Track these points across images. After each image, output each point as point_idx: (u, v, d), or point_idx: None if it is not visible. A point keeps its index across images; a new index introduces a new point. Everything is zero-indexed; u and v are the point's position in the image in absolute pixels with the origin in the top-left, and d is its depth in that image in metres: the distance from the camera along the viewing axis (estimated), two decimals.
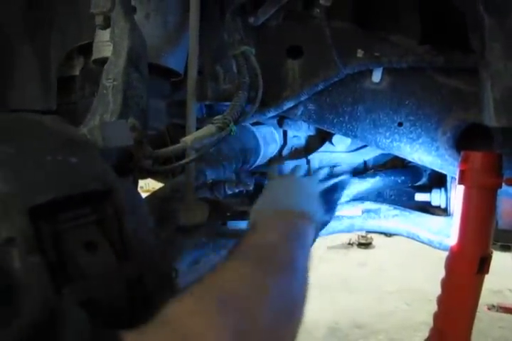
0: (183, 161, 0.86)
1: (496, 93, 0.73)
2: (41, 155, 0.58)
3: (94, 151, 0.65)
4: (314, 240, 0.80)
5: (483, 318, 3.39)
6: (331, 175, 0.99)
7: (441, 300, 0.93)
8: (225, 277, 0.59)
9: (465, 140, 1.03)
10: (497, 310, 3.43)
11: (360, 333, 3.32)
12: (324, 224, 0.89)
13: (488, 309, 3.46)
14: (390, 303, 3.74)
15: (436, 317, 0.94)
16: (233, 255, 0.65)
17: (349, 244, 5.14)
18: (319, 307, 3.66)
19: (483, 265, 0.87)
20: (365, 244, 5.09)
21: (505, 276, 4.10)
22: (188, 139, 0.87)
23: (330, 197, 0.90)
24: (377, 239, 5.26)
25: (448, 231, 1.02)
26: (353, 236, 5.21)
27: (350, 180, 1.04)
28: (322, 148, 1.32)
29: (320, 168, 1.04)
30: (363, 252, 5.03)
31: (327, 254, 4.92)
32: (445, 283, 0.92)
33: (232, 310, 0.52)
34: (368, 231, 5.24)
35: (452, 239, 0.90)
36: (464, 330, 0.91)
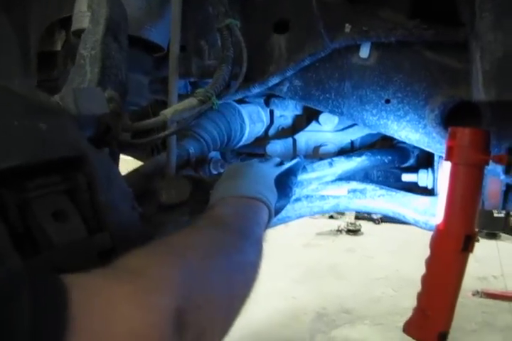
0: (162, 134, 0.84)
1: (486, 64, 0.71)
2: (7, 120, 0.55)
3: (66, 118, 0.63)
4: (268, 223, 0.83)
5: (468, 304, 3.43)
6: (282, 163, 1.00)
7: (425, 279, 0.92)
8: (185, 233, 0.62)
9: (454, 118, 1.01)
10: (481, 296, 3.48)
11: (347, 318, 3.34)
12: (280, 208, 0.93)
13: (473, 295, 3.51)
14: (377, 289, 3.77)
15: (420, 296, 0.93)
16: (193, 224, 0.69)
17: (338, 230, 5.17)
18: (307, 292, 3.68)
19: (468, 243, 0.86)
20: (354, 231, 5.12)
21: (490, 263, 4.16)
22: (167, 112, 0.85)
23: (285, 182, 0.93)
24: (365, 226, 5.29)
25: (434, 211, 1.01)
26: (342, 223, 5.24)
27: (303, 163, 1.07)
28: (308, 128, 1.30)
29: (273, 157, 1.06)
30: (351, 239, 5.06)
31: (315, 241, 4.94)
32: (430, 262, 0.91)
33: (187, 255, 0.54)
34: (357, 218, 5.27)
35: (437, 216, 0.88)
36: (446, 309, 0.90)
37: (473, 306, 3.43)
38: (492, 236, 4.91)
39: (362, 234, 5.18)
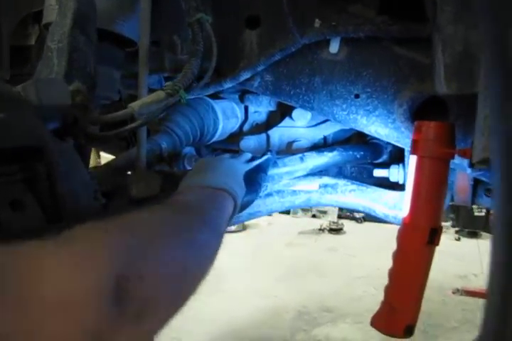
0: (129, 126, 0.84)
1: (447, 58, 0.72)
2: None
3: (27, 108, 0.62)
4: (233, 215, 0.83)
5: (448, 302, 3.47)
6: (254, 158, 1.01)
7: (392, 273, 0.93)
8: (138, 211, 0.59)
9: (423, 114, 1.02)
10: (461, 294, 3.51)
11: (329, 316, 3.36)
12: (248, 203, 0.93)
13: (453, 293, 3.54)
14: (359, 288, 3.79)
15: (387, 290, 0.94)
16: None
17: (320, 229, 5.19)
18: (288, 290, 3.69)
19: (434, 236, 0.86)
20: (336, 230, 5.15)
21: (471, 262, 4.20)
22: (135, 105, 0.85)
23: (254, 178, 0.94)
24: (348, 225, 5.32)
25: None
26: (324, 222, 5.26)
27: (273, 159, 1.09)
28: (282, 123, 1.30)
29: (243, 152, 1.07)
30: (333, 238, 5.08)
31: (298, 239, 4.96)
32: (396, 255, 0.92)
33: (134, 227, 0.52)
34: (339, 217, 5.29)
35: (404, 210, 0.89)
36: (413, 302, 0.91)
37: (453, 304, 3.47)
38: (473, 234, 4.97)
39: (344, 232, 5.21)
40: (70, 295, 0.37)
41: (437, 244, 0.89)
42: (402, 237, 0.90)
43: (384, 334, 0.93)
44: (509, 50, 0.32)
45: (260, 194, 0.98)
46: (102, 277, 0.40)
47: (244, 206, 0.90)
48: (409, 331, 0.91)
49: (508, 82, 0.32)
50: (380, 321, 0.94)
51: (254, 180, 0.93)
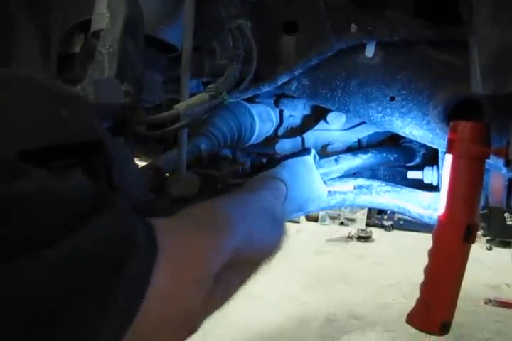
0: (175, 126, 0.88)
1: (483, 58, 0.74)
2: (33, 108, 0.60)
3: (86, 106, 0.67)
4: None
5: (480, 312, 3.40)
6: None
7: (428, 270, 0.94)
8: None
9: (457, 116, 1.04)
10: (493, 305, 3.45)
11: (357, 324, 3.33)
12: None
13: (485, 303, 3.48)
14: (388, 296, 3.76)
15: (422, 287, 0.95)
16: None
17: (348, 237, 5.16)
18: (317, 298, 3.68)
19: (470, 234, 0.88)
20: (365, 238, 5.11)
21: (503, 272, 4.12)
22: (180, 106, 0.89)
23: None
24: (376, 233, 5.29)
25: (438, 205, 1.03)
26: (353, 230, 5.24)
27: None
28: (317, 127, 1.33)
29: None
30: (362, 245, 5.05)
31: (326, 247, 4.95)
32: (432, 253, 0.93)
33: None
34: (368, 225, 5.25)
35: (439, 208, 0.91)
36: (449, 299, 0.92)
37: (485, 314, 3.40)
38: (505, 244, 4.88)
39: (373, 240, 5.18)
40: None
41: (473, 242, 0.90)
42: (438, 235, 0.92)
43: (420, 331, 0.94)
44: None
45: None
46: (208, 269, 0.46)
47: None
48: (445, 328, 0.91)
49: None
50: (416, 318, 0.95)
51: None
